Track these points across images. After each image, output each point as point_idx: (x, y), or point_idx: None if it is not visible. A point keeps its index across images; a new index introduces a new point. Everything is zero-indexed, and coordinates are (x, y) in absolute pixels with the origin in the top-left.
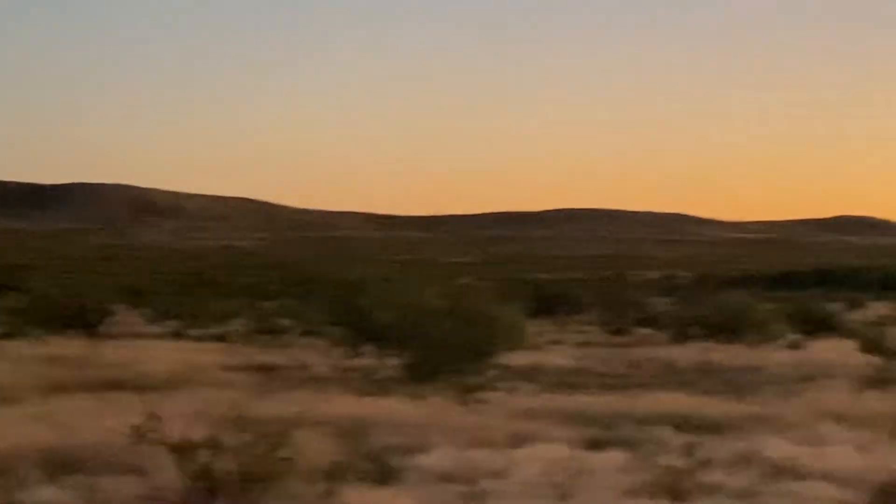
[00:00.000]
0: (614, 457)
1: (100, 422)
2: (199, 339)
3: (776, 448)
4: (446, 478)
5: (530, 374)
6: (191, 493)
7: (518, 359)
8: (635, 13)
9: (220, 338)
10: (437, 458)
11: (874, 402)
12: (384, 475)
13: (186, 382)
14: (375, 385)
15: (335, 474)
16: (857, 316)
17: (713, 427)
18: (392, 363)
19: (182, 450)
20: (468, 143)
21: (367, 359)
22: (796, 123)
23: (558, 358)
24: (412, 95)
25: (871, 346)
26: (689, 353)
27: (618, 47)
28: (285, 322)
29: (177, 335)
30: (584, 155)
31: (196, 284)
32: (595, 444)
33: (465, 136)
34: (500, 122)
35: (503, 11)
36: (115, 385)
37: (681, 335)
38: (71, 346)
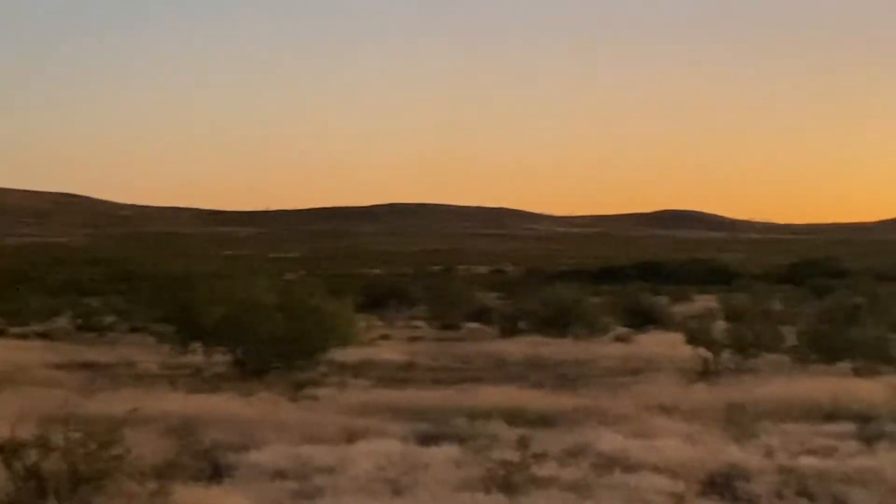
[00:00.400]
0: (447, 451)
1: None
2: (22, 336)
3: (607, 440)
4: (279, 475)
5: (361, 370)
6: (19, 494)
7: (348, 354)
8: (443, 7)
9: (44, 335)
10: (269, 454)
11: (701, 393)
12: (215, 473)
13: (10, 381)
14: (205, 382)
15: (166, 472)
16: (682, 309)
17: (545, 420)
18: (221, 360)
19: (9, 450)
20: (293, 137)
21: (195, 356)
22: (620, 118)
23: (389, 353)
24: (237, 90)
25: (697, 338)
26: (518, 348)
27: (438, 40)
28: (110, 319)
29: None
30: (411, 150)
31: (16, 281)
32: (428, 439)
33: (291, 130)
34: (324, 116)
35: (317, 8)
36: None
37: (510, 329)
38: None
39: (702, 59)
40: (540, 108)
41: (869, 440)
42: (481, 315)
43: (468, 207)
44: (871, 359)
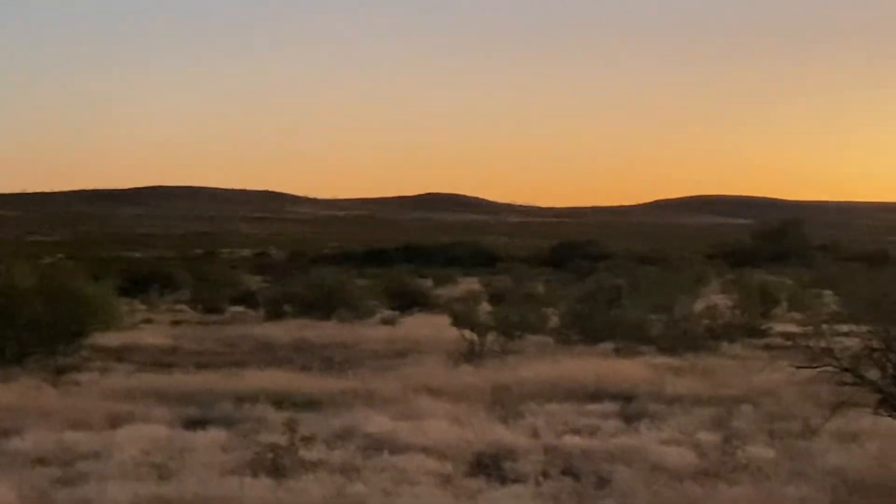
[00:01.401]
0: (214, 435)
1: None
2: None
3: (375, 423)
4: (41, 461)
5: (124, 354)
6: None
7: (110, 339)
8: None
9: None
10: (31, 441)
11: (468, 375)
12: None
13: None
14: None
15: None
16: (447, 292)
17: (312, 404)
18: None
19: None
20: (54, 117)
21: None
22: (384, 101)
23: (152, 337)
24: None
25: (462, 320)
26: (284, 331)
27: (205, 26)
28: None
29: None
30: (175, 132)
31: None
32: (194, 424)
33: (51, 110)
34: (87, 96)
35: None
36: None
37: (275, 313)
38: None
39: (462, 44)
40: (303, 92)
41: (631, 419)
42: (246, 299)
43: (232, 191)
44: (632, 339)
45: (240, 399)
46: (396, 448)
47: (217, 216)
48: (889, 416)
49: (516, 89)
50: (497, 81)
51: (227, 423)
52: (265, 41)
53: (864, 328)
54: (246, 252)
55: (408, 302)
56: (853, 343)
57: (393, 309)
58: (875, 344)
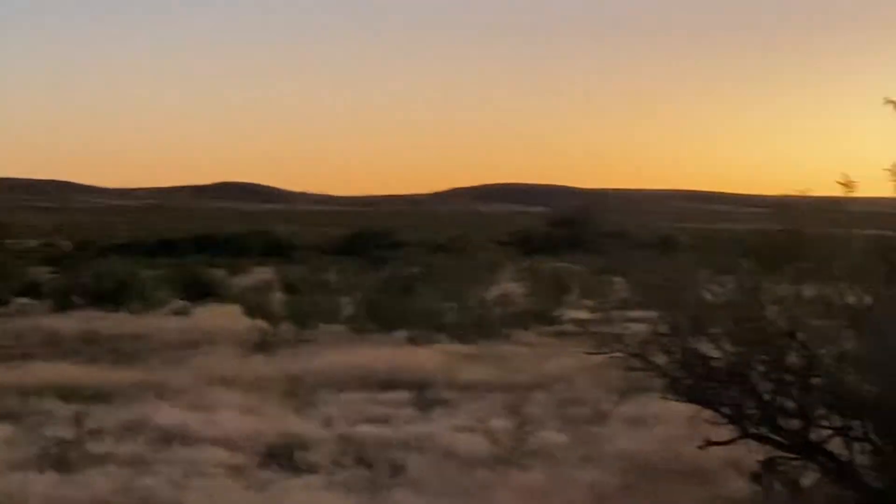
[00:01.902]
0: None
1: None
2: None
3: (166, 414)
4: None
5: None
6: None
7: None
8: None
9: None
10: None
11: (261, 366)
12: None
13: None
14: None
15: None
16: (240, 281)
17: (101, 396)
18: None
19: None
20: None
21: None
22: (172, 89)
23: None
24: None
25: (255, 310)
26: (72, 323)
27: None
28: None
29: None
30: None
31: None
32: None
33: None
34: None
35: None
36: None
37: (63, 304)
38: None
39: (246, 31)
40: (90, 79)
41: (424, 407)
42: (31, 290)
43: (16, 179)
44: (427, 328)
45: (25, 393)
46: (187, 440)
47: (0, 206)
48: (676, 399)
49: (307, 76)
50: (287, 69)
51: (13, 417)
52: (54, 26)
53: (652, 314)
54: (32, 242)
55: (200, 292)
56: (642, 329)
57: (184, 299)
58: (662, 329)
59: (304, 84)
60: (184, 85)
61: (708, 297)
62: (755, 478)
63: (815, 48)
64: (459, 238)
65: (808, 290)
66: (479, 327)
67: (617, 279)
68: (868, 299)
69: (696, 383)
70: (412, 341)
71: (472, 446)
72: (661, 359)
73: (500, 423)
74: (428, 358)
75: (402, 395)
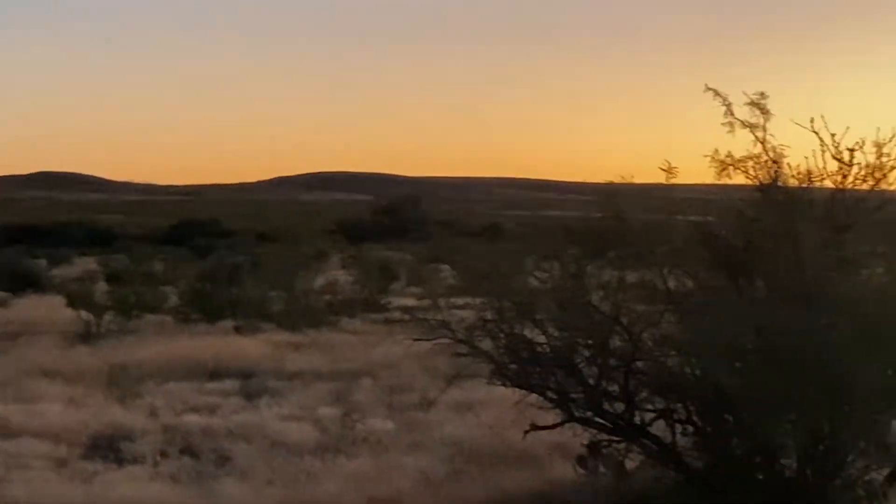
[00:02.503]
0: None
1: None
2: None
3: None
4: None
5: None
6: None
7: None
8: None
9: None
10: None
11: (84, 356)
12: None
13: None
14: None
15: None
16: (62, 272)
17: None
18: None
19: None
20: None
21: None
22: None
23: None
24: None
25: (77, 301)
26: None
27: None
28: None
29: None
30: None
31: None
32: None
33: None
34: None
35: None
36: None
37: None
38: None
39: (79, 23)
40: None
41: (251, 396)
42: None
43: None
44: (253, 317)
45: None
46: (9, 433)
47: None
48: (502, 385)
49: (127, 64)
50: (108, 56)
51: None
52: None
53: (478, 301)
54: None
55: (20, 283)
56: (468, 315)
57: (4, 291)
58: (488, 315)
59: (123, 71)
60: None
61: (533, 283)
62: (580, 461)
63: (637, 35)
64: (285, 227)
65: (631, 276)
66: (305, 316)
67: (444, 267)
68: (689, 284)
69: (521, 368)
70: (238, 331)
71: (299, 435)
72: (487, 344)
73: (327, 412)
74: (254, 347)
75: (229, 384)
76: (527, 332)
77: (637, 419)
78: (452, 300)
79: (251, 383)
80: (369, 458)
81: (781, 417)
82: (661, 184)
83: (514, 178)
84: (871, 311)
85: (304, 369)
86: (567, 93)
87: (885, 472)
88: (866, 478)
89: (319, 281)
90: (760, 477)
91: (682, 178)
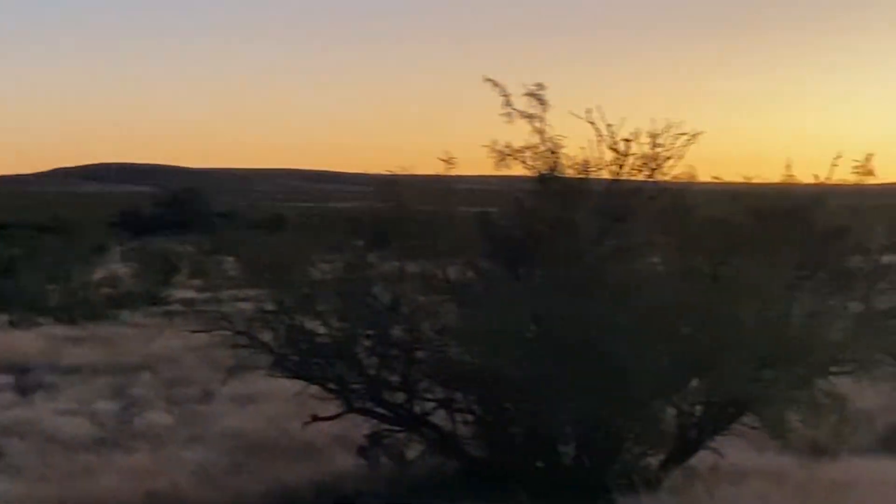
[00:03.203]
0: None
1: None
2: None
3: None
4: None
5: None
6: None
7: None
8: None
9: None
10: None
11: None
12: None
13: None
14: None
15: None
16: None
17: None
18: None
19: None
20: None
21: None
22: None
23: None
24: None
25: None
26: None
27: None
28: None
29: None
30: None
31: None
32: None
33: None
34: None
35: None
36: None
37: None
38: None
39: None
40: None
41: (26, 391)
42: None
43: None
44: (29, 311)
45: None
46: None
47: None
48: (282, 376)
49: None
50: None
51: None
52: None
53: (260, 292)
54: None
55: None
56: (250, 307)
57: None
58: (268, 307)
59: None
60: None
61: (315, 274)
62: (361, 452)
63: (417, 25)
64: (64, 218)
65: (413, 267)
66: (84, 309)
67: (226, 258)
68: (469, 274)
69: (301, 359)
70: (13, 325)
71: (75, 430)
72: (266, 336)
73: (104, 406)
74: (30, 342)
75: (3, 379)
76: (307, 324)
77: (417, 409)
78: (235, 292)
79: (26, 378)
80: (147, 453)
81: (560, 405)
82: (444, 175)
83: (298, 170)
84: (647, 299)
85: (82, 363)
86: (351, 83)
87: (661, 457)
88: (642, 463)
89: (99, 274)
90: (540, 465)
91: (467, 170)
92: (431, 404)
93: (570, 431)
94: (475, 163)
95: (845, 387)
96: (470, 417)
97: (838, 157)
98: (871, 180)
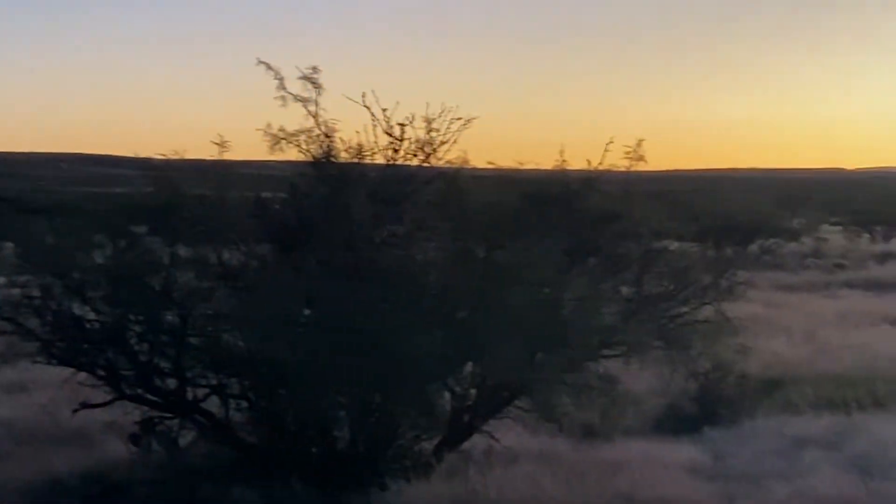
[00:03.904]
0: None
1: None
2: None
3: None
4: None
5: None
6: None
7: None
8: None
9: None
10: None
11: None
12: None
13: None
14: None
15: None
16: None
17: None
18: None
19: None
20: None
21: None
22: None
23: None
24: None
25: None
26: None
27: None
28: None
29: None
30: None
31: None
32: None
33: None
34: None
35: None
36: None
37: None
38: None
39: None
40: None
41: None
42: None
43: None
44: None
45: None
46: None
47: None
48: (51, 363)
49: None
50: None
51: None
52: None
53: (31, 278)
54: None
55: None
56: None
57: None
58: (35, 292)
59: None
60: None
61: (85, 259)
62: (133, 438)
63: (182, 13)
64: None
65: (186, 251)
66: None
67: (7, 244)
68: (243, 259)
69: (70, 346)
70: None
71: None
72: (33, 322)
73: None
74: None
75: None
76: (76, 310)
77: (190, 395)
78: (15, 278)
79: None
80: None
81: (334, 390)
82: (222, 159)
83: (83, 154)
84: (421, 284)
85: None
86: (134, 68)
87: (435, 441)
88: (417, 448)
89: None
90: (314, 450)
91: (246, 154)
92: (204, 391)
93: (345, 417)
94: (255, 147)
95: (616, 370)
96: (244, 404)
97: (610, 142)
98: (642, 166)
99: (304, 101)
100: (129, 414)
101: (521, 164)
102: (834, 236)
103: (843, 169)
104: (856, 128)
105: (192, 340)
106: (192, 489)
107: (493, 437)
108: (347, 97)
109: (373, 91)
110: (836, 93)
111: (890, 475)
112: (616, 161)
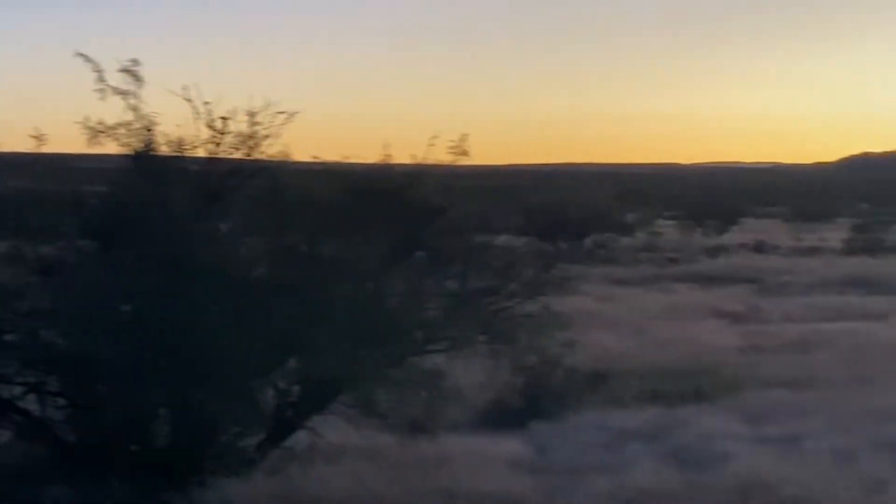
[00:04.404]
0: None
1: None
2: None
3: None
4: None
5: None
6: None
7: None
8: None
9: None
10: None
11: None
12: None
13: None
14: None
15: None
16: None
17: None
18: None
19: None
20: None
21: None
22: None
23: None
24: None
25: None
26: None
27: None
28: None
29: None
30: None
31: None
32: None
33: None
34: None
35: None
36: None
37: None
38: None
39: None
40: None
41: None
42: None
43: None
44: None
45: None
46: None
47: None
48: None
49: None
50: None
51: None
52: None
53: None
54: None
55: None
56: None
57: None
58: None
59: None
60: None
61: None
62: None
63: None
64: None
65: (1, 246)
66: None
67: None
68: (61, 253)
69: None
70: None
71: None
72: None
73: None
74: None
75: None
76: None
77: (6, 394)
78: None
79: None
80: None
81: (154, 386)
82: (42, 153)
83: None
84: (242, 279)
85: None
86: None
87: (258, 438)
88: (239, 445)
89: None
90: (134, 448)
91: (69, 148)
92: (21, 389)
93: (165, 413)
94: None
95: (442, 364)
96: (62, 401)
97: (434, 137)
98: (465, 161)
99: (123, 93)
100: None
101: (346, 158)
102: (668, 230)
103: (678, 164)
104: (692, 122)
105: (8, 337)
106: (8, 490)
107: (316, 433)
108: (169, 90)
109: (195, 84)
110: (673, 89)
111: (707, 467)
112: (441, 156)
